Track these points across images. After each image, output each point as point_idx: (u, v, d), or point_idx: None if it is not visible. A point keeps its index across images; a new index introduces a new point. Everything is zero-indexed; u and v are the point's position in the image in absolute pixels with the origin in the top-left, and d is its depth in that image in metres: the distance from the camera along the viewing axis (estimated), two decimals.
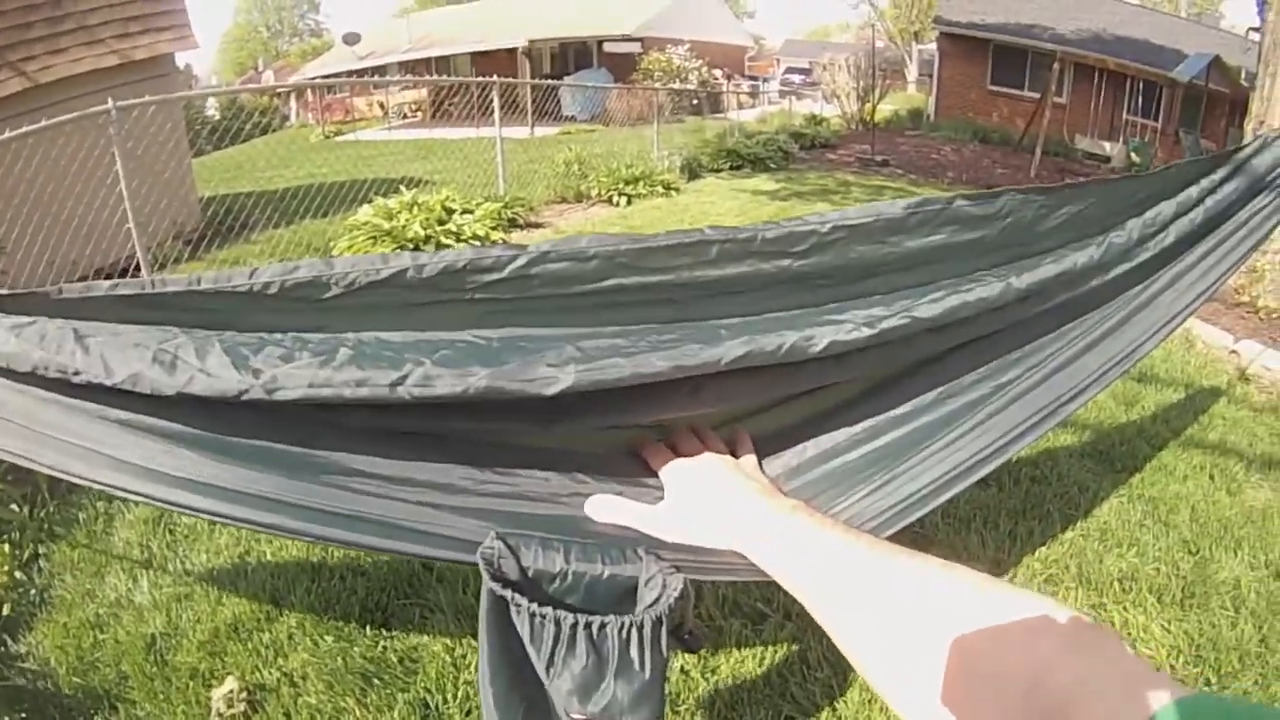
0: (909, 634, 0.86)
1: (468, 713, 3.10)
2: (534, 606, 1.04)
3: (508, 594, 1.04)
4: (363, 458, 1.22)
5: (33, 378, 1.21)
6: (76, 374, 1.16)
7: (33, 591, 4.17)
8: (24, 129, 7.72)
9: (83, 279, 1.54)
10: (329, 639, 3.52)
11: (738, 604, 3.45)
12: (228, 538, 4.34)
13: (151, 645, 3.63)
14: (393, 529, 1.17)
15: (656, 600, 1.06)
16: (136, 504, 4.76)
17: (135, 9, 12.16)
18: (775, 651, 3.28)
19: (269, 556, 4.14)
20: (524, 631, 1.05)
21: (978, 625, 0.79)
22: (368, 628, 3.58)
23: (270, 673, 3.40)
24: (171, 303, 1.21)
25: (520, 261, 1.18)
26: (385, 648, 3.49)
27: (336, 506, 1.18)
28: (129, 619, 3.82)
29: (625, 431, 1.37)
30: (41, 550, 4.50)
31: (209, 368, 1.14)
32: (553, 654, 1.04)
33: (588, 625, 1.03)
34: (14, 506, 4.61)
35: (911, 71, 49.54)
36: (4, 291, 1.27)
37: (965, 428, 1.45)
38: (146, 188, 9.32)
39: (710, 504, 1.21)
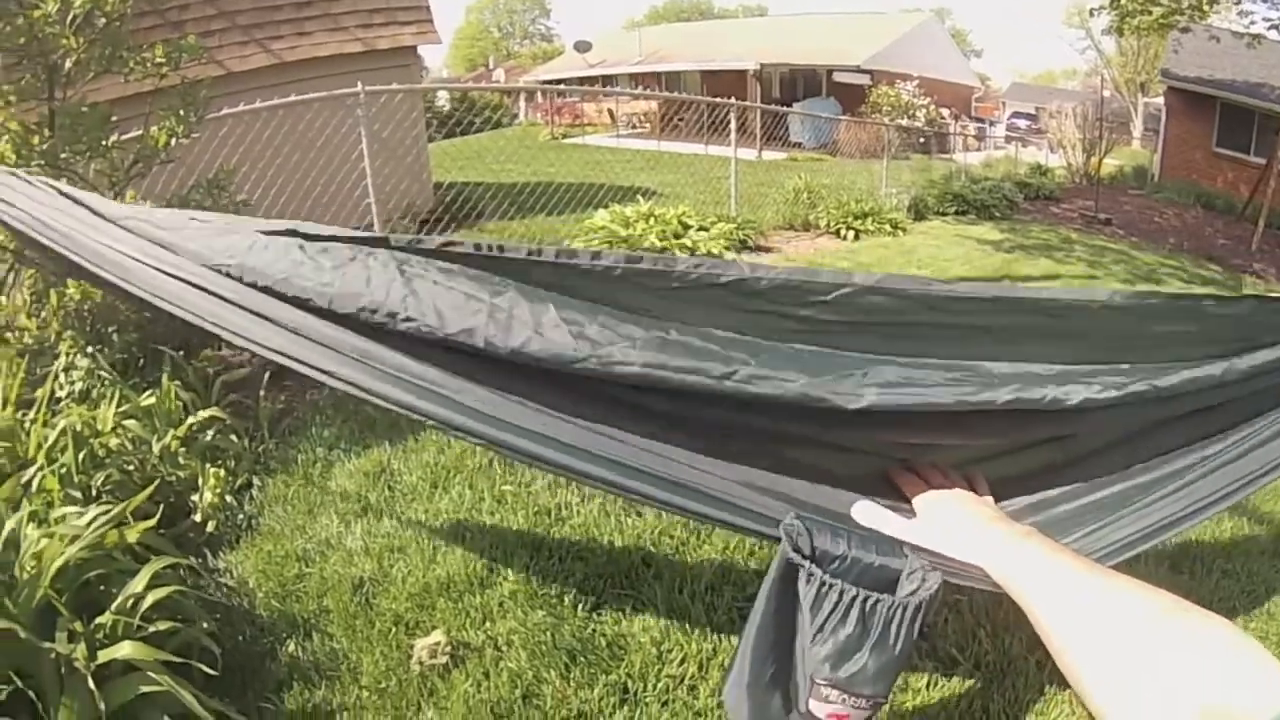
0: (1114, 644, 0.96)
1: (664, 704, 3.13)
2: (825, 575, 1.20)
3: (805, 563, 1.21)
4: (683, 436, 1.44)
5: (353, 321, 1.42)
6: (408, 320, 1.36)
7: (240, 516, 4.36)
8: (276, 101, 8.23)
9: None
10: (540, 613, 3.52)
11: (934, 648, 3.40)
12: (448, 502, 4.40)
13: (359, 587, 3.73)
14: (704, 498, 1.37)
15: (916, 590, 1.20)
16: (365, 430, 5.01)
17: (380, 1, 12.82)
18: (960, 697, 3.24)
19: (490, 526, 4.17)
20: (808, 597, 1.21)
21: (1166, 643, 0.91)
22: (579, 609, 3.56)
23: (476, 634, 3.43)
24: (504, 267, 1.41)
25: (846, 289, 1.33)
26: (594, 630, 3.45)
27: (663, 472, 1.38)
28: (337, 559, 3.93)
29: (883, 458, 1.55)
30: (255, 481, 4.70)
31: (544, 329, 1.33)
32: (826, 620, 1.19)
33: (865, 599, 1.18)
34: (234, 437, 4.88)
35: (1136, 126, 47.11)
36: (310, 229, 1.50)
37: (1167, 490, 1.58)
38: (389, 168, 9.79)
39: (958, 526, 1.36)
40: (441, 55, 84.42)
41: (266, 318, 1.50)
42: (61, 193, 2.31)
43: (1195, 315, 1.46)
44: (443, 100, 27.27)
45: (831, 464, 1.50)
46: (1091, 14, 17.96)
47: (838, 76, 34.21)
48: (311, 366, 1.47)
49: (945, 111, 34.45)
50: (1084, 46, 63.38)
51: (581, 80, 39.44)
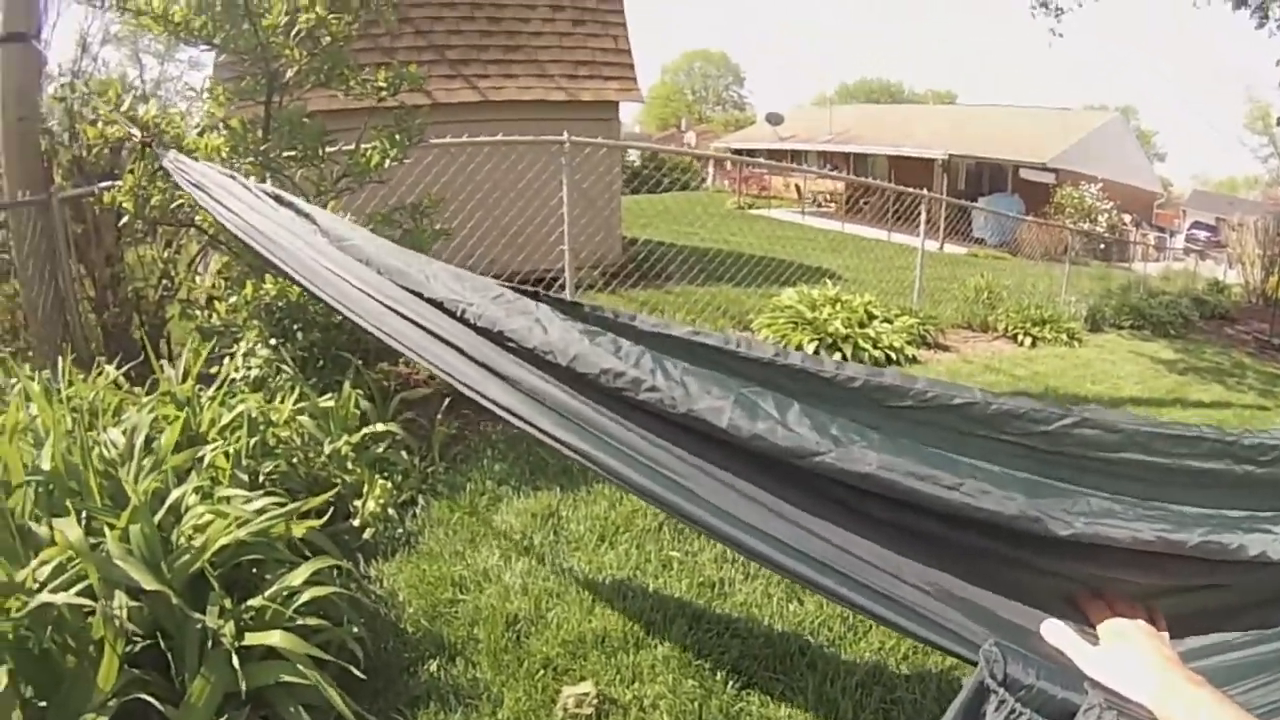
0: None
1: None
2: (1014, 703, 1.20)
3: (1000, 689, 1.22)
4: (884, 545, 1.44)
5: (589, 385, 1.52)
6: (652, 390, 1.45)
7: (400, 530, 4.42)
8: (484, 138, 8.48)
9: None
10: (690, 682, 3.42)
11: None
12: (613, 558, 4.33)
13: (512, 624, 3.69)
14: (897, 605, 1.41)
15: None
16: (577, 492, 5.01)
17: (585, 55, 13.30)
18: None
19: (652, 589, 4.09)
20: None
21: None
22: (729, 685, 3.44)
23: (624, 691, 3.36)
24: (743, 368, 1.51)
25: (1066, 421, 1.40)
26: (741, 709, 3.35)
27: (861, 576, 1.42)
28: (494, 592, 3.91)
29: (1074, 582, 1.52)
30: (420, 500, 4.75)
31: (789, 421, 1.40)
32: None
33: None
34: (404, 453, 4.92)
35: None
36: (569, 299, 1.64)
37: None
38: (585, 219, 9.98)
39: (1137, 664, 1.36)
40: (634, 112, 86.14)
41: (498, 374, 1.65)
42: (283, 202, 2.50)
43: None
44: (633, 156, 27.61)
45: (1028, 583, 1.51)
46: (1279, 123, 17.20)
47: (1024, 173, 33.49)
48: (545, 433, 1.58)
49: (1127, 218, 33.41)
50: (1267, 154, 60.61)
51: (771, 153, 39.68)
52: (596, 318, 1.61)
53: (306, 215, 2.33)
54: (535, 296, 1.65)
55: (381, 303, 1.88)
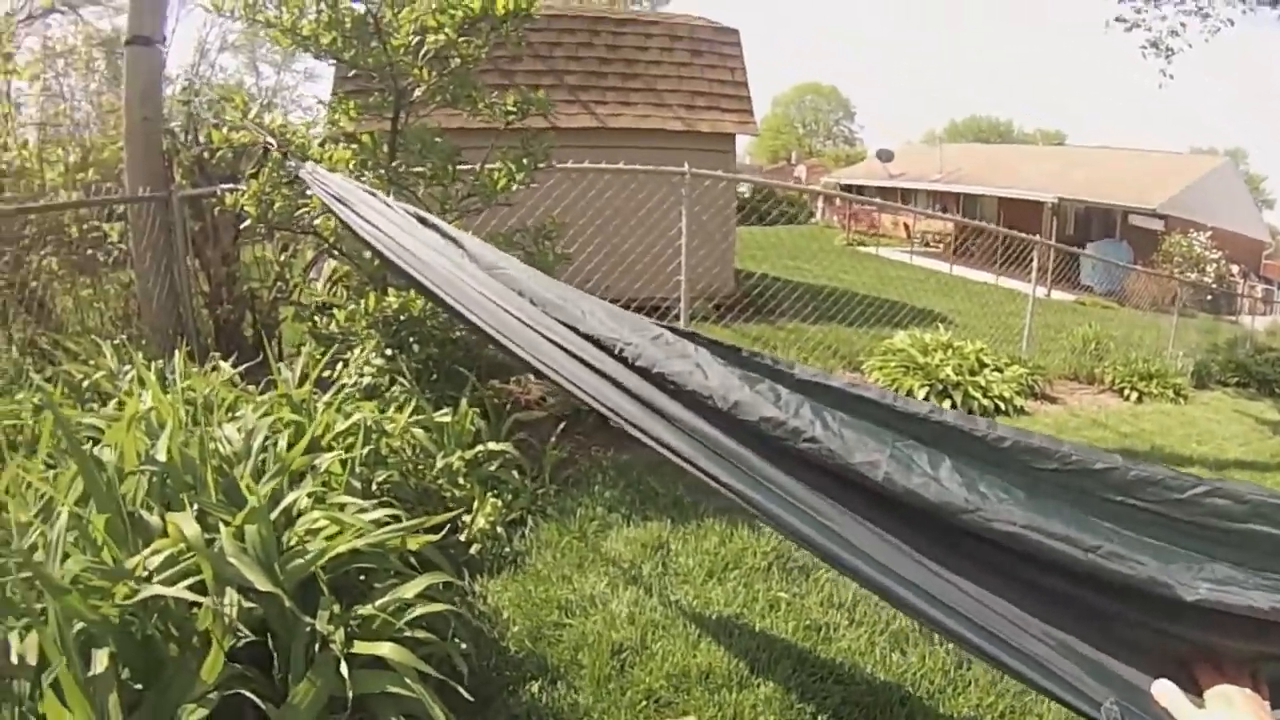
0: None
1: None
2: None
3: None
4: (1013, 599, 1.51)
5: (745, 430, 1.60)
6: (811, 440, 1.52)
7: (507, 549, 4.43)
8: (605, 165, 8.53)
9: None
10: None
11: None
12: (721, 594, 4.26)
13: (616, 652, 3.65)
14: (1022, 656, 1.48)
15: None
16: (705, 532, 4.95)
17: (703, 85, 13.36)
18: None
19: (758, 628, 4.00)
20: None
21: None
22: None
23: None
24: (897, 423, 1.57)
25: (1199, 490, 1.43)
26: None
27: (992, 627, 1.49)
28: (599, 618, 3.88)
29: (1185, 644, 1.52)
30: (529, 521, 4.75)
31: (941, 477, 1.48)
32: None
33: None
34: (515, 473, 4.92)
35: None
36: (724, 342, 1.71)
37: None
38: (703, 250, 10.05)
39: None
40: (744, 143, 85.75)
41: (657, 410, 1.71)
42: (427, 223, 2.55)
43: None
44: (743, 188, 27.65)
45: (1144, 643, 1.53)
46: None
47: (1133, 219, 32.58)
48: (703, 471, 1.66)
49: (1235, 268, 32.35)
50: None
51: (881, 191, 39.36)
52: (754, 363, 1.68)
53: (453, 239, 2.39)
54: (692, 337, 1.73)
55: (538, 332, 1.95)
